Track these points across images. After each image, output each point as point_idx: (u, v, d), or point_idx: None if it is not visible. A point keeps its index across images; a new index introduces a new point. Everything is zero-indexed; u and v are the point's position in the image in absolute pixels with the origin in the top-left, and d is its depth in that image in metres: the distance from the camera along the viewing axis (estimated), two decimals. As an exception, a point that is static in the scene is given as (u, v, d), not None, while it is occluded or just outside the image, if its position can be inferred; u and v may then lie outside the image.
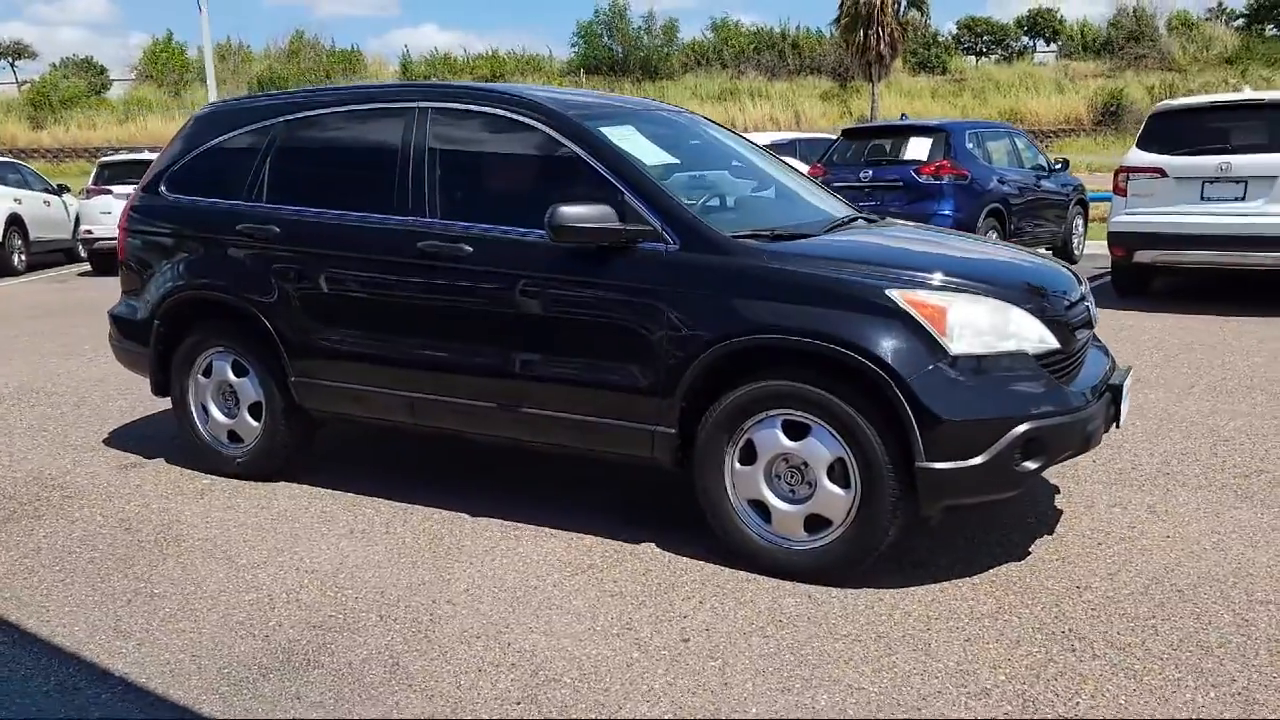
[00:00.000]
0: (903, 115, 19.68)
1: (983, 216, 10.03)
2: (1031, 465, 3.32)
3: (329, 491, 4.53)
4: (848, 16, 36.86)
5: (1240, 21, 48.13)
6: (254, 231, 4.47)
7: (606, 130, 3.96)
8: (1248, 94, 9.63)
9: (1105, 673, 2.88)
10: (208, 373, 4.73)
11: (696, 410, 3.61)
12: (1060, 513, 4.12)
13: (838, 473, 3.40)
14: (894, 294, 3.33)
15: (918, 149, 10.28)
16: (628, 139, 3.98)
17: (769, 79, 42.64)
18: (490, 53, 47.17)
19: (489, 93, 4.27)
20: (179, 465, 4.95)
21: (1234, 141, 8.60)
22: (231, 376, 4.65)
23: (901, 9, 37.33)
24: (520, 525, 4.09)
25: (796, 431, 3.45)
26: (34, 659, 3.12)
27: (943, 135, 10.33)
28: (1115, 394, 3.67)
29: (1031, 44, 48.13)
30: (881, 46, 36.22)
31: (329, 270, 4.31)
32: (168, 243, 4.82)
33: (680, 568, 3.66)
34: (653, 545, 3.86)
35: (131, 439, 5.50)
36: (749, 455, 3.54)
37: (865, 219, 4.43)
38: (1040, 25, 48.69)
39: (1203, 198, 8.57)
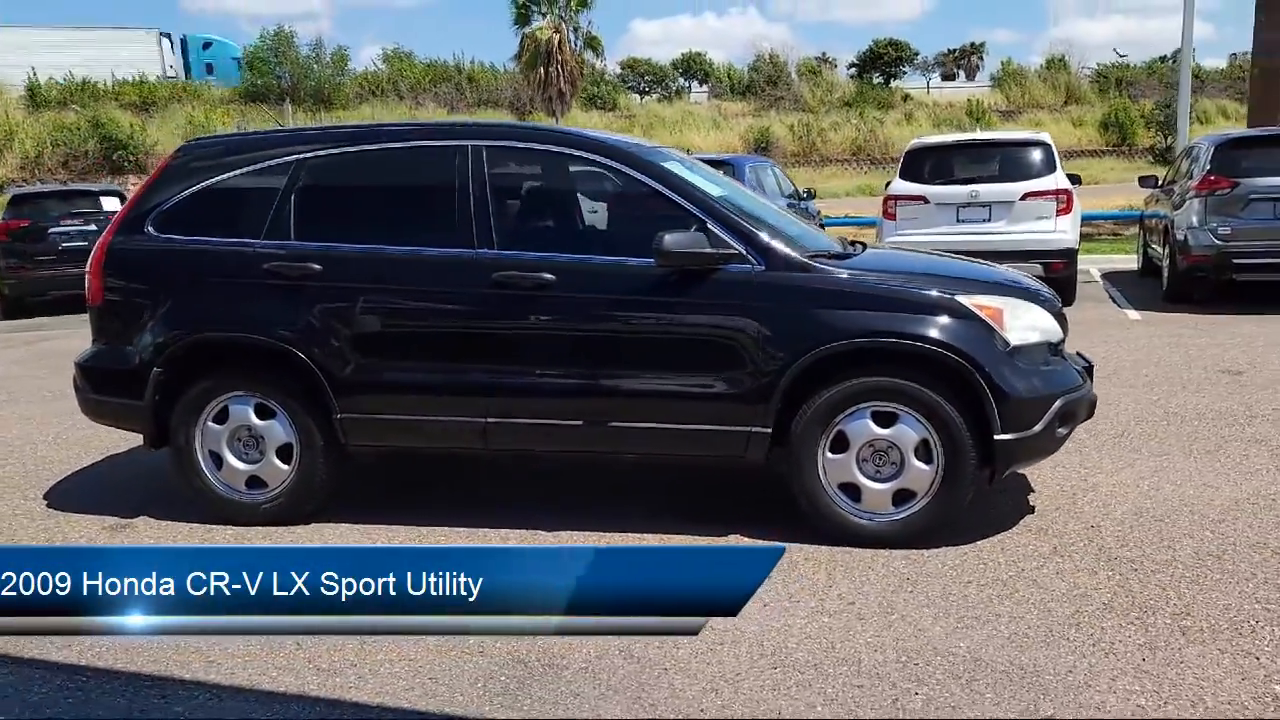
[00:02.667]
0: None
1: (767, 241, 11.15)
2: (1064, 431, 4.18)
3: (382, 527, 4.50)
4: (528, 53, 38.33)
5: (853, 70, 55.24)
6: (287, 270, 4.40)
7: (669, 166, 4.38)
8: (982, 134, 11.56)
9: (1173, 582, 3.75)
10: (220, 419, 4.53)
11: (788, 410, 4.13)
12: (1023, 476, 5.04)
13: (921, 452, 4.06)
14: (964, 299, 4.06)
15: (711, 181, 11.25)
16: (687, 174, 4.42)
17: (449, 111, 42.91)
18: (138, 77, 43.54)
19: (550, 133, 4.55)
20: (171, 520, 4.68)
21: (978, 173, 10.36)
22: (255, 420, 4.50)
23: (578, 48, 39.39)
24: (605, 533, 4.33)
25: (883, 420, 4.07)
26: (262, 706, 3.06)
27: (729, 168, 11.39)
28: (1090, 372, 4.63)
29: (687, 85, 52.19)
30: (562, 83, 37.97)
31: (384, 304, 4.38)
32: (166, 286, 4.57)
33: (781, 550, 4.14)
34: (740, 536, 4.30)
35: (85, 500, 5.05)
36: (839, 444, 4.11)
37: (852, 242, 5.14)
38: (693, 68, 52.96)
39: (958, 220, 10.24)
